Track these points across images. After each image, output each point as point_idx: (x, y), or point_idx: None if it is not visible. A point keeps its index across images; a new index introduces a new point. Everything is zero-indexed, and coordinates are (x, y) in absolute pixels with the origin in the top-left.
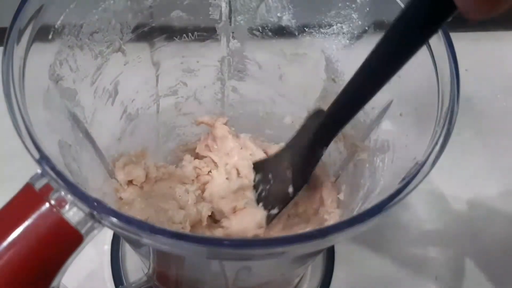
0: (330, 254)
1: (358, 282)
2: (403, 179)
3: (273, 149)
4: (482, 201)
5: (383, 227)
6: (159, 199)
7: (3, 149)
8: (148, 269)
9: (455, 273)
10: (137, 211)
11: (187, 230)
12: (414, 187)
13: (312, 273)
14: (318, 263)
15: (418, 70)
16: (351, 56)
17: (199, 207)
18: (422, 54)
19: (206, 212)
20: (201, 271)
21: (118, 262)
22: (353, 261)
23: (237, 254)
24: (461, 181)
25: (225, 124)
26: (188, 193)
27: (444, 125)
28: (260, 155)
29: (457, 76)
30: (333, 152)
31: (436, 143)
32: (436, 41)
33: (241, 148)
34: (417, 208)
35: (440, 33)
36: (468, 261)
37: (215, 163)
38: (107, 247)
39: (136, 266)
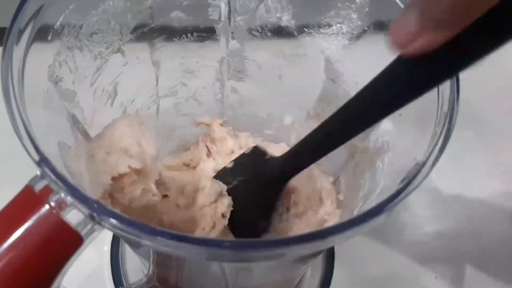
0: (330, 254)
1: (358, 282)
2: (403, 179)
3: (273, 149)
4: (482, 200)
5: (383, 227)
6: None
7: (3, 149)
8: (148, 270)
9: (455, 273)
10: None
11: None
12: (415, 188)
13: (312, 273)
14: (318, 263)
15: None
16: (350, 57)
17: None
18: None
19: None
20: (201, 272)
21: (117, 263)
22: (353, 261)
23: (237, 256)
24: (461, 181)
25: (222, 125)
26: None
27: (444, 125)
28: None
29: (457, 77)
30: (333, 152)
31: (436, 144)
32: None
33: (241, 148)
34: (417, 208)
35: None
36: (468, 261)
37: None
38: (107, 248)
39: (136, 267)
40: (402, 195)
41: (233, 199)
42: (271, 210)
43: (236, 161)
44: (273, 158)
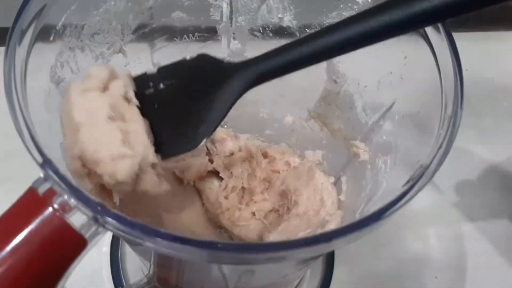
0: (330, 254)
1: (358, 282)
2: (408, 182)
3: (273, 149)
4: (482, 200)
5: (383, 227)
6: None
7: (3, 148)
8: (149, 271)
9: (455, 273)
10: None
11: None
12: (419, 190)
13: (312, 273)
14: (318, 263)
15: (421, 72)
16: (352, 57)
17: None
18: (425, 56)
19: None
20: (202, 272)
21: (117, 263)
22: (353, 261)
23: (239, 258)
24: (461, 181)
25: (222, 125)
26: None
27: (448, 128)
28: (259, 157)
29: (460, 80)
30: (334, 153)
31: (441, 146)
32: (439, 43)
33: (240, 150)
34: (418, 207)
35: (443, 35)
36: (468, 261)
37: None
38: (106, 249)
39: (136, 267)
40: (407, 197)
41: (158, 105)
42: (217, 117)
43: (165, 66)
44: (231, 63)
